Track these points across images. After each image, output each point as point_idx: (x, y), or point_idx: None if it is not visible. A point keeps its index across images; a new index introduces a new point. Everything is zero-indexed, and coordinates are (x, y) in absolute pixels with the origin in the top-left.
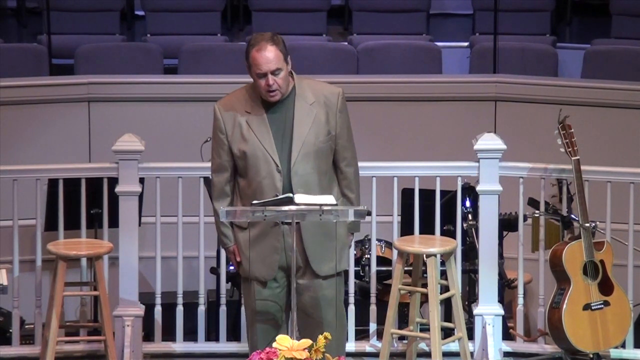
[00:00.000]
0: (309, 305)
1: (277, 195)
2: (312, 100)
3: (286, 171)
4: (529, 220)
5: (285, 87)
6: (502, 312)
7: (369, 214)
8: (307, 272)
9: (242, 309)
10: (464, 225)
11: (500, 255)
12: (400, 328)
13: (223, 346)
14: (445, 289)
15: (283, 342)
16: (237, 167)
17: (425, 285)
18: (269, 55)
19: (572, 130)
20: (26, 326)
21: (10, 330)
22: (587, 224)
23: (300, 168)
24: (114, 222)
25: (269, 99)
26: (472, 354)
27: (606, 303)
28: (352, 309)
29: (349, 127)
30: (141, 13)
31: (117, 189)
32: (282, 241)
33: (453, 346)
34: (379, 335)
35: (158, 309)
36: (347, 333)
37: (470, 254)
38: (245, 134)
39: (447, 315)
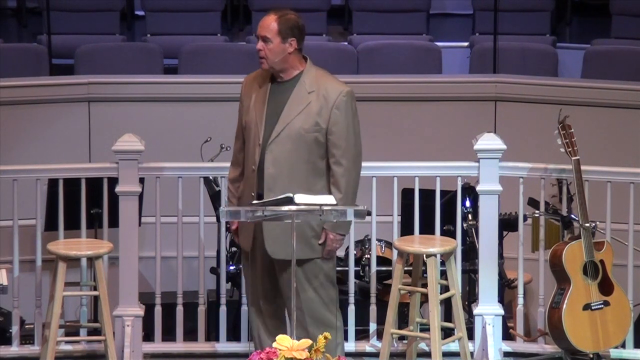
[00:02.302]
0: (283, 289)
1: (253, 170)
2: (312, 89)
3: (264, 147)
4: (529, 220)
5: (273, 60)
6: (502, 312)
7: (369, 214)
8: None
9: (243, 308)
10: (464, 225)
11: (500, 255)
12: (400, 328)
13: (223, 346)
14: (445, 289)
15: (283, 342)
16: None
17: (425, 285)
18: (265, 21)
19: (572, 130)
20: (26, 326)
21: (10, 330)
22: (587, 224)
23: (276, 147)
24: (114, 222)
25: (260, 65)
26: (472, 354)
27: (606, 303)
28: (352, 309)
29: (348, 127)
30: (141, 13)
31: (117, 189)
32: None
33: (453, 346)
34: (379, 335)
35: (158, 309)
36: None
37: (470, 254)
38: (251, 107)
39: (447, 315)
